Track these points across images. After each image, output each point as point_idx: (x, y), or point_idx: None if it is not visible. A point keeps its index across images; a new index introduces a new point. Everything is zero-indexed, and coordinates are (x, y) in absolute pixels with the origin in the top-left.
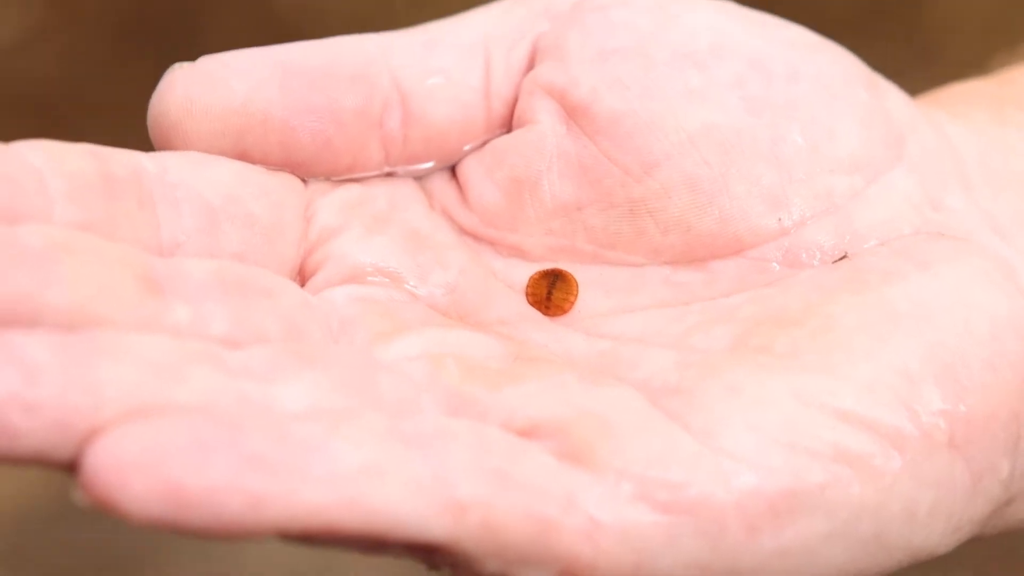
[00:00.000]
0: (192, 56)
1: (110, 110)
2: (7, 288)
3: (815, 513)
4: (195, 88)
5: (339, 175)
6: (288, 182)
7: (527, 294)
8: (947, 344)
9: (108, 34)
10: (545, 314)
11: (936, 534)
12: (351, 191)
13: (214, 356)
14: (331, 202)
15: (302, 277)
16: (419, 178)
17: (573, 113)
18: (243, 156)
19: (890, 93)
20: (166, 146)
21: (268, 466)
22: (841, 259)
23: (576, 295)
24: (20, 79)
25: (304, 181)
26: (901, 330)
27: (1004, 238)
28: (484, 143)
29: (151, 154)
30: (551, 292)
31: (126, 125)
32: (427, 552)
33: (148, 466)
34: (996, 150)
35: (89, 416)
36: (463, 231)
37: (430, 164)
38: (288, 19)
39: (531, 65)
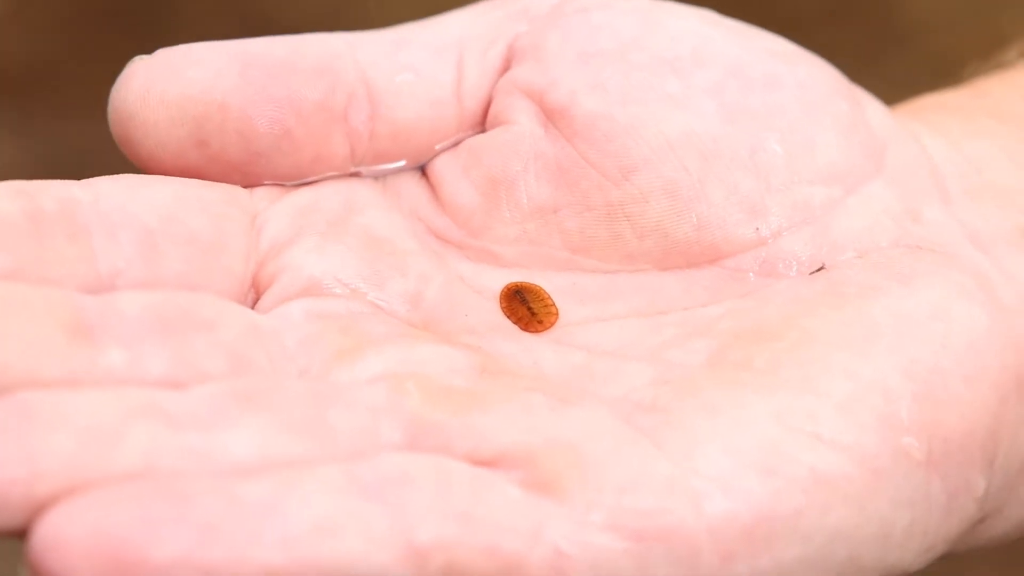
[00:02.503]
0: (166, 38)
1: (81, 90)
2: None
3: (791, 538)
4: (153, 77)
5: (304, 171)
6: (229, 193)
7: (506, 314)
8: (925, 360)
9: (80, 14)
10: (536, 330)
11: (910, 553)
12: (301, 196)
13: (154, 406)
14: (281, 210)
15: (256, 290)
16: (384, 181)
17: (551, 115)
18: (202, 145)
19: (870, 105)
20: (126, 137)
21: (219, 535)
22: (819, 270)
23: (554, 304)
24: None
25: (252, 190)
26: (879, 346)
27: (983, 250)
28: (456, 143)
29: (83, 182)
30: (530, 307)
31: (97, 105)
32: None
33: (95, 546)
34: (971, 162)
35: (27, 489)
36: (432, 233)
37: (400, 163)
38: (263, 1)
39: (506, 66)
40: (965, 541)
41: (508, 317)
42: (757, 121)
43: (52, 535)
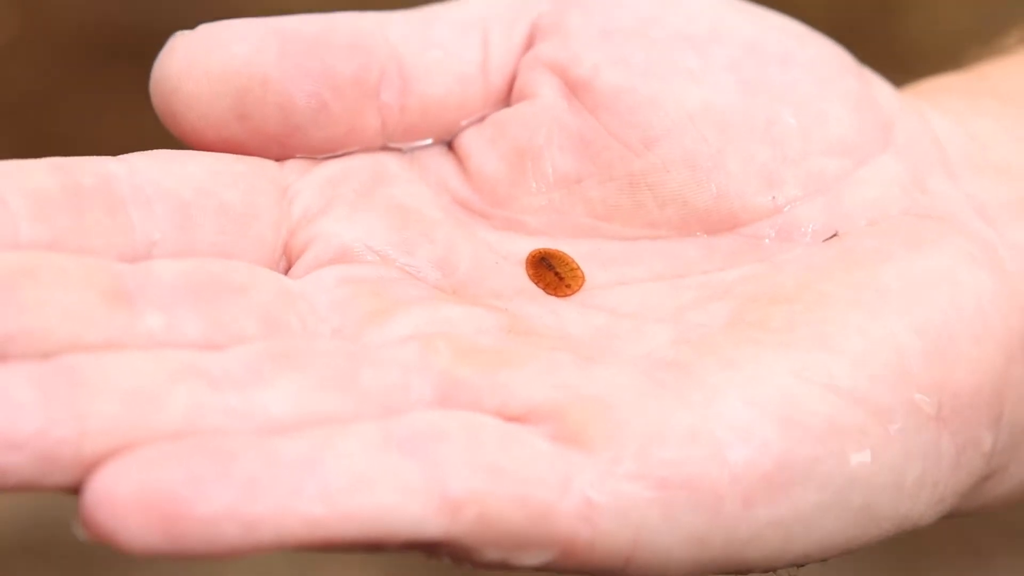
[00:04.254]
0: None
1: (87, 119)
2: None
3: (808, 485)
4: (196, 51)
5: (338, 144)
6: (260, 167)
7: (533, 280)
8: (935, 321)
9: (84, 45)
10: (564, 294)
11: (921, 504)
12: (331, 167)
13: (193, 367)
14: (312, 181)
15: (288, 258)
16: (411, 154)
17: (575, 88)
18: (243, 119)
19: (877, 84)
20: (168, 111)
21: (261, 490)
22: (832, 237)
23: (580, 268)
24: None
25: (282, 163)
26: (891, 307)
27: (987, 221)
28: (482, 118)
29: (118, 157)
30: (557, 271)
31: (102, 133)
32: (426, 548)
33: (144, 502)
34: (974, 139)
35: (76, 448)
36: (458, 204)
37: (428, 141)
38: None
39: (530, 44)
40: (972, 499)
41: (536, 283)
42: (772, 95)
43: (103, 492)
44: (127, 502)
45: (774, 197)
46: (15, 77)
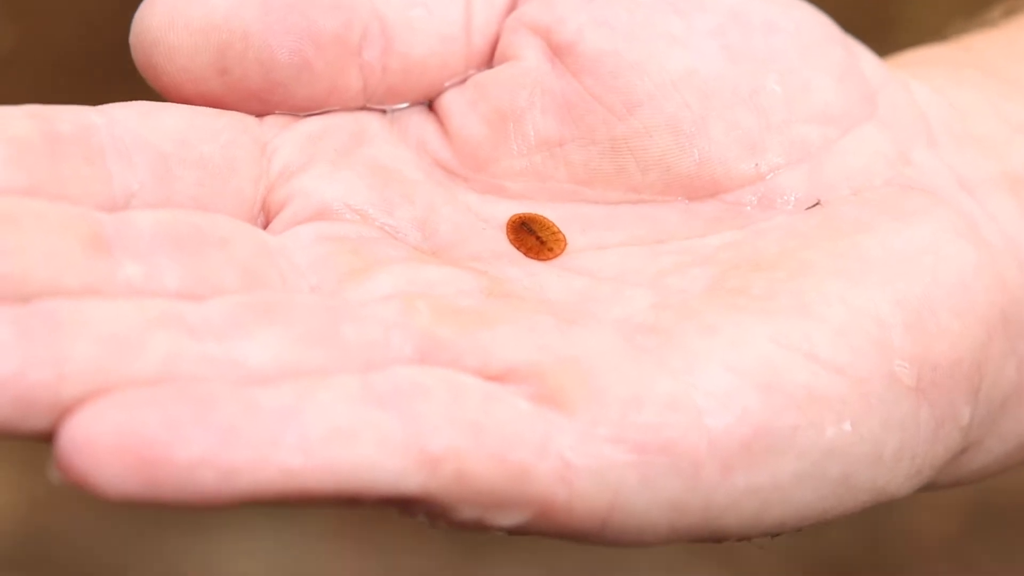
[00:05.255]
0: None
1: None
2: None
3: (787, 453)
4: (177, 4)
5: (319, 102)
6: (238, 120)
7: (515, 245)
8: (916, 292)
9: (82, 58)
10: (546, 258)
11: (899, 476)
12: (312, 124)
13: (173, 315)
14: (292, 137)
15: (267, 214)
16: (392, 114)
17: (558, 51)
18: (223, 73)
19: (862, 53)
20: (148, 64)
21: (240, 438)
22: (814, 206)
23: (561, 231)
24: None
25: (262, 119)
26: (873, 277)
27: (969, 193)
28: (464, 79)
29: (98, 107)
30: (539, 236)
31: None
32: (402, 503)
33: (121, 446)
34: (956, 111)
35: (54, 392)
36: (438, 166)
37: (405, 104)
38: None
39: (513, 6)
40: (949, 473)
41: (517, 247)
42: (756, 62)
43: (80, 434)
44: (104, 444)
45: (757, 164)
46: (12, 89)
